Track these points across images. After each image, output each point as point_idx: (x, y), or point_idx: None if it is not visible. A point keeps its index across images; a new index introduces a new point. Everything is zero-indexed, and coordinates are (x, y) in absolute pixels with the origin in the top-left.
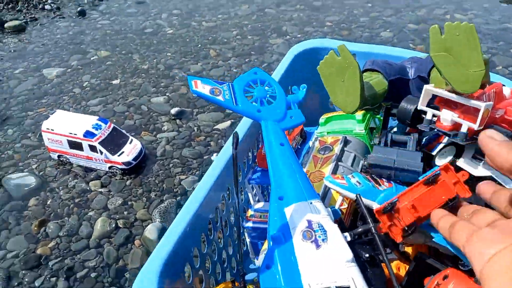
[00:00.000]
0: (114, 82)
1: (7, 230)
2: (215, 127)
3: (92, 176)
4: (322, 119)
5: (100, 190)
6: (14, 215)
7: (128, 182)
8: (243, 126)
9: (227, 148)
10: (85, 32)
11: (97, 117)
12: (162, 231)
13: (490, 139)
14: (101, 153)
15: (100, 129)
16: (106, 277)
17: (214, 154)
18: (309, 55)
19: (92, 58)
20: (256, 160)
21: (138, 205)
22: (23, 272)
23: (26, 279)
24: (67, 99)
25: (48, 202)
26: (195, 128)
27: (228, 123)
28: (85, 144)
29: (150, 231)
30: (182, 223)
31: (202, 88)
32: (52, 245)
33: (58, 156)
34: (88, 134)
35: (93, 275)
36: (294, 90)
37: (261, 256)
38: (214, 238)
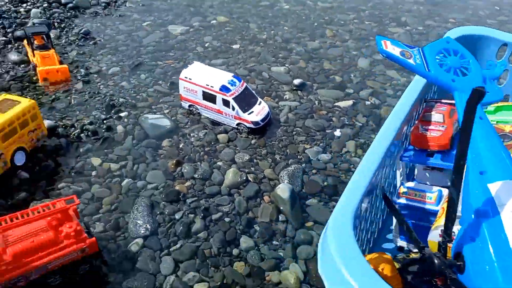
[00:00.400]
0: (234, 46)
1: (145, 163)
2: (335, 104)
3: (219, 130)
4: (491, 107)
5: (227, 143)
6: (150, 152)
7: (253, 141)
8: (406, 99)
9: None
10: None
11: (232, 74)
12: (292, 192)
13: None
14: (233, 108)
15: (235, 85)
16: (238, 225)
17: (338, 130)
18: (466, 40)
19: (211, 22)
20: (411, 138)
21: (264, 164)
22: (164, 203)
23: (167, 211)
24: (191, 55)
25: (181, 146)
26: (316, 102)
27: (349, 102)
28: (219, 97)
29: (282, 190)
30: (362, 183)
31: (392, 49)
32: (188, 185)
33: (189, 106)
34: (224, 89)
35: (226, 219)
36: (488, 66)
37: (457, 227)
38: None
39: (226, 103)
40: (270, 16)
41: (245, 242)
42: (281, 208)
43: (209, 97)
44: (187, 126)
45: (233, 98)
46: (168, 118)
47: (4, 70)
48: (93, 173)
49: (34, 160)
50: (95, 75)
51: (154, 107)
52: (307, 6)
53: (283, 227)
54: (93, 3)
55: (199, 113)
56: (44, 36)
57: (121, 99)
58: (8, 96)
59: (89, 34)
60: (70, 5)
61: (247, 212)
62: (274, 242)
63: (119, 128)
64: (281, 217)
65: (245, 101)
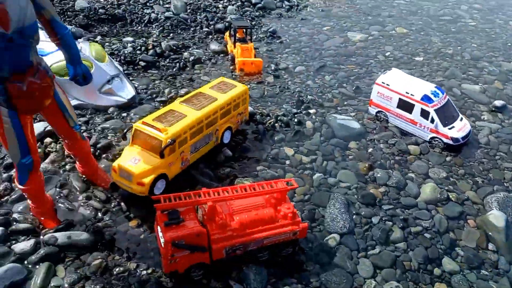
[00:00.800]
0: (417, 58)
1: (334, 161)
2: None
3: (410, 141)
4: None
5: (418, 156)
6: (338, 151)
7: (447, 158)
8: None
9: None
10: (381, 8)
11: (434, 85)
12: (507, 221)
13: None
14: (432, 121)
15: (438, 97)
16: (439, 243)
17: None
18: None
19: (390, 32)
20: None
21: (464, 185)
22: (359, 204)
23: (363, 212)
24: (373, 63)
25: (369, 150)
26: None
27: None
28: (417, 107)
29: (496, 218)
30: None
31: None
32: (382, 191)
33: (377, 112)
34: (426, 99)
35: (427, 235)
36: None
37: None
38: None
39: (424, 114)
40: (454, 31)
41: (448, 264)
42: (493, 236)
43: (405, 106)
44: (375, 132)
45: (434, 110)
46: (356, 121)
47: (206, 57)
48: (287, 162)
49: (234, 141)
50: (283, 71)
51: (339, 108)
52: (497, 24)
53: (494, 257)
54: (278, 5)
55: (387, 120)
56: (245, 30)
57: (309, 97)
58: (226, 79)
59: (275, 33)
60: (259, 5)
61: (447, 232)
62: (483, 272)
63: (308, 123)
64: (490, 246)
65: (446, 115)
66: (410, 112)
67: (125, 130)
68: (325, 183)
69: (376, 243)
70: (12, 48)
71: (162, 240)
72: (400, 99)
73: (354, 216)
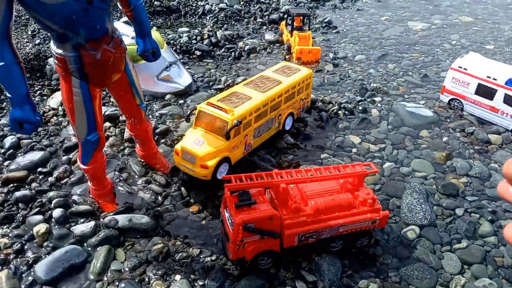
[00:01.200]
0: (487, 47)
1: (405, 150)
2: None
3: (490, 129)
4: None
5: (500, 145)
6: (409, 139)
7: None
8: None
9: None
10: None
11: None
12: None
13: None
14: None
15: None
16: None
17: None
18: None
19: (454, 21)
20: None
21: None
22: (439, 195)
23: (444, 203)
24: (439, 51)
25: (444, 139)
26: None
27: None
28: (500, 92)
29: None
30: None
31: None
32: (464, 181)
33: (450, 100)
34: (510, 83)
35: None
36: None
37: None
38: None
39: (508, 100)
40: None
41: None
42: None
43: (485, 92)
44: (449, 120)
45: None
46: (427, 109)
47: (262, 47)
48: (353, 150)
49: (296, 128)
50: (342, 60)
51: (407, 96)
52: None
53: None
54: None
55: (461, 108)
56: (303, 18)
57: (372, 84)
58: (289, 63)
59: (331, 24)
60: None
61: None
62: None
63: (374, 111)
64: None
65: None
66: (491, 99)
67: (189, 112)
68: (397, 173)
69: (462, 237)
70: (91, 11)
71: (230, 222)
72: (479, 84)
73: (434, 207)
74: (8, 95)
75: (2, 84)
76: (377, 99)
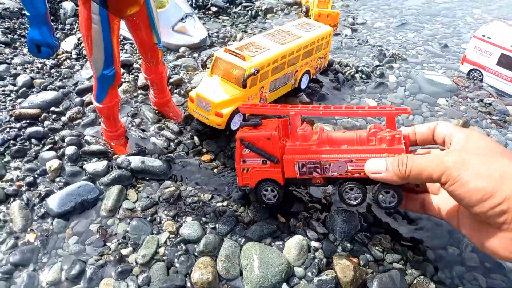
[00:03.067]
0: (510, 22)
1: (422, 116)
2: None
3: (508, 102)
4: None
5: None
6: (426, 106)
7: None
8: None
9: None
10: None
11: None
12: None
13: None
14: None
15: None
16: None
17: None
18: None
19: None
20: None
21: None
22: None
23: None
24: (461, 24)
25: (462, 108)
26: None
27: None
28: None
29: None
30: None
31: None
32: None
33: (470, 70)
34: None
35: None
36: None
37: None
38: None
39: None
40: None
41: None
42: None
43: (508, 62)
44: (468, 90)
45: None
46: (446, 77)
47: (279, 8)
48: None
49: (311, 88)
50: (361, 26)
51: (425, 65)
52: None
53: None
54: None
55: (481, 80)
56: None
57: (391, 51)
58: (307, 19)
59: None
60: None
61: None
62: None
63: (391, 77)
64: None
65: None
66: None
67: (205, 58)
68: None
69: None
70: None
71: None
72: (502, 54)
73: None
74: (27, 13)
75: (22, 3)
76: (395, 65)
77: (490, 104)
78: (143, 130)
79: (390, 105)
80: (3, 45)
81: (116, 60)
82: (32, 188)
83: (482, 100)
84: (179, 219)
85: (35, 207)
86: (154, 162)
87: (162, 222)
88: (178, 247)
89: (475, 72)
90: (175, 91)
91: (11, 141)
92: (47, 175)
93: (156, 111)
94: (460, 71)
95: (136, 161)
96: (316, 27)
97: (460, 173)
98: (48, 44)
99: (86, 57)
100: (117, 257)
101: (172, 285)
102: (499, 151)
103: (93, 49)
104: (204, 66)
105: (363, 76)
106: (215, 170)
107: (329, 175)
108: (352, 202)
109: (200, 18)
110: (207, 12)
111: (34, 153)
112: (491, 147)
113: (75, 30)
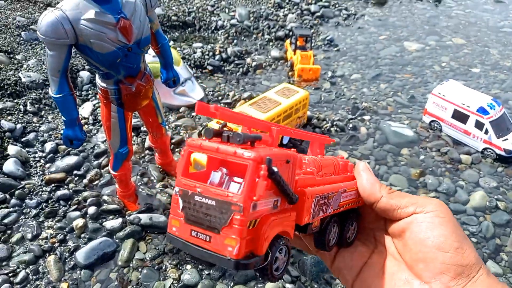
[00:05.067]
0: (474, 70)
1: (386, 166)
2: None
3: (462, 150)
4: None
5: (470, 165)
6: (391, 156)
7: (499, 169)
8: None
9: None
10: (439, 18)
11: (491, 97)
12: None
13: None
14: (486, 132)
15: (494, 109)
16: (485, 248)
17: None
18: None
19: (447, 42)
20: None
21: None
22: None
23: None
24: (429, 73)
25: (421, 157)
26: None
27: None
28: (472, 118)
29: None
30: None
31: None
32: (432, 196)
33: (431, 122)
34: (481, 110)
35: (473, 239)
36: None
37: None
38: None
39: (479, 125)
40: None
41: (492, 267)
42: None
43: (460, 116)
44: (427, 140)
45: (489, 122)
46: (409, 129)
47: (267, 63)
48: None
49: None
50: (339, 78)
51: (393, 116)
52: None
53: None
54: (336, 13)
55: (440, 130)
56: (306, 38)
57: (364, 104)
58: (288, 85)
59: (332, 41)
60: (317, 14)
61: (494, 237)
62: None
63: (362, 129)
64: None
65: (501, 126)
66: (465, 123)
67: (202, 128)
68: None
69: None
70: (130, 56)
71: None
72: (455, 109)
73: None
74: (63, 118)
75: (60, 109)
76: (366, 117)
77: (446, 153)
78: (150, 188)
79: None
80: (31, 115)
81: (129, 141)
82: (63, 244)
83: (439, 150)
84: (180, 267)
85: (66, 260)
86: (160, 218)
87: (167, 269)
88: None
89: (435, 123)
90: (177, 150)
91: (44, 204)
92: (74, 232)
93: (161, 170)
94: (423, 121)
95: (145, 218)
96: (294, 93)
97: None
98: (78, 138)
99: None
100: None
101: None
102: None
103: (111, 135)
104: (200, 134)
105: (338, 129)
106: None
107: (328, 213)
108: (332, 243)
109: (197, 77)
110: (203, 71)
111: (62, 213)
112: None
113: (90, 95)
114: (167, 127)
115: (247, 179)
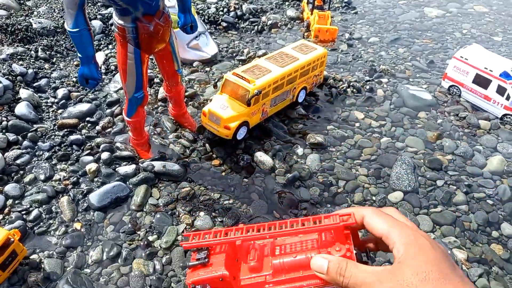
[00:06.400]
0: (495, 38)
1: (402, 128)
2: None
3: (481, 116)
4: None
5: (488, 131)
6: (408, 119)
7: None
8: None
9: None
10: None
11: None
12: None
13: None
14: (508, 98)
15: None
16: (500, 210)
17: None
18: None
19: (469, 10)
20: None
21: None
22: (425, 168)
23: (428, 175)
24: (449, 39)
25: (439, 121)
26: None
27: None
28: (494, 83)
29: None
30: None
31: None
32: (449, 159)
33: (450, 87)
34: (504, 75)
35: (489, 201)
36: None
37: None
38: None
39: (500, 90)
40: None
41: (508, 228)
42: None
43: (481, 81)
44: (445, 105)
45: None
46: (427, 92)
47: (283, 23)
48: (357, 124)
49: (307, 101)
50: (357, 41)
51: (411, 80)
52: None
53: None
54: None
55: (459, 95)
56: None
57: (382, 66)
58: (306, 42)
59: (350, 4)
60: None
61: (510, 201)
62: None
63: (379, 91)
64: None
65: None
66: (486, 88)
67: (216, 80)
68: (392, 147)
69: (438, 203)
70: None
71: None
72: (477, 74)
73: (419, 178)
74: (79, 55)
75: (75, 46)
76: (384, 80)
77: (464, 118)
78: (163, 138)
79: (343, 214)
80: (43, 61)
81: (145, 86)
82: (76, 187)
83: (457, 114)
84: (193, 213)
85: (79, 202)
86: (173, 166)
87: (180, 215)
88: None
89: (454, 88)
90: (190, 103)
91: (56, 147)
92: (87, 176)
93: (174, 121)
94: (441, 86)
95: (158, 165)
96: (312, 50)
97: None
98: (94, 78)
99: (115, 72)
100: (145, 243)
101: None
102: (447, 267)
103: (127, 78)
104: (215, 86)
105: (354, 90)
106: (223, 174)
107: None
108: None
109: (211, 33)
110: (218, 27)
111: (75, 157)
112: (437, 262)
113: (102, 46)
114: (183, 74)
115: None
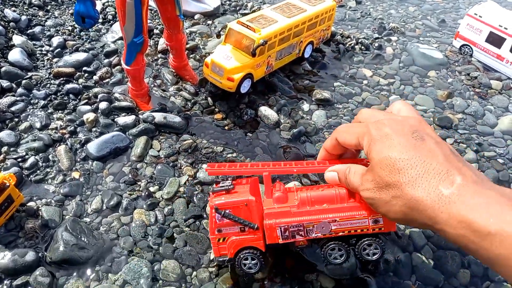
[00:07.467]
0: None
1: (412, 87)
2: None
3: (493, 76)
4: None
5: (500, 91)
6: (417, 78)
7: None
8: None
9: None
10: None
11: None
12: None
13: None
14: None
15: None
16: (511, 169)
17: None
18: None
19: None
20: None
21: None
22: (435, 125)
23: (438, 133)
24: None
25: (449, 80)
26: None
27: None
28: (508, 42)
29: None
30: None
31: None
32: (459, 117)
33: (462, 46)
34: None
35: (500, 160)
36: None
37: None
38: None
39: None
40: None
41: None
42: None
43: (495, 40)
44: (456, 64)
45: None
46: (438, 51)
47: None
48: (364, 82)
49: (314, 57)
50: None
51: (422, 39)
52: None
53: None
54: None
55: (471, 55)
56: None
57: (391, 24)
58: None
59: None
60: None
61: None
62: None
63: (388, 49)
64: None
65: None
66: (499, 47)
67: (219, 29)
68: None
69: None
70: None
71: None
72: (491, 32)
73: None
74: None
75: None
76: (393, 38)
77: (476, 78)
78: (164, 90)
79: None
80: (37, 8)
81: (144, 30)
82: (73, 136)
83: (468, 74)
84: (196, 166)
85: (77, 151)
86: (175, 118)
87: (182, 167)
88: (196, 187)
89: (466, 47)
90: (191, 55)
91: (52, 96)
92: (85, 126)
93: (175, 74)
94: (453, 45)
95: (159, 117)
96: (320, 2)
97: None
98: (91, 16)
99: (113, 22)
100: (146, 193)
101: (191, 215)
102: (406, 134)
103: (126, 20)
104: (218, 35)
105: (362, 47)
106: (226, 127)
107: (313, 237)
108: (337, 261)
109: None
110: None
111: (72, 107)
112: (397, 143)
113: None
114: (185, 20)
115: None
